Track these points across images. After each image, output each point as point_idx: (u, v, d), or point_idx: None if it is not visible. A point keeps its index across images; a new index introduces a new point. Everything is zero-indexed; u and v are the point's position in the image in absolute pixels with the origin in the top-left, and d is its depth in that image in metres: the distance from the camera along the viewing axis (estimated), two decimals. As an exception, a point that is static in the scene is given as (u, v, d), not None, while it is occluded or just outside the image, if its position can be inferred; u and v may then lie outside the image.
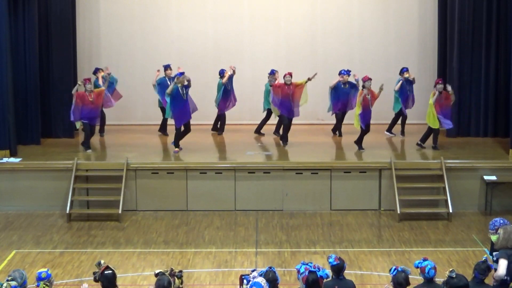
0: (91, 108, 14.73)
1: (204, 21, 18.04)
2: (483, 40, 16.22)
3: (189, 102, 14.64)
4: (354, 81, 15.63)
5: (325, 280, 7.05)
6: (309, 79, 15.21)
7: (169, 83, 15.01)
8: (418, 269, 7.32)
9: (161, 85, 15.53)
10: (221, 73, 16.00)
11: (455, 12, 16.19)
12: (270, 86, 15.36)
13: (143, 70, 17.47)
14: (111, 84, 16.07)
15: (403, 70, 15.98)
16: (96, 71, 16.10)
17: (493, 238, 8.24)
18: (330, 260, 7.42)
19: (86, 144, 14.97)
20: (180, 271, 7.29)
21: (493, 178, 13.77)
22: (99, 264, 7.34)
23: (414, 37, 18.07)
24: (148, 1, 18.06)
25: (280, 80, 15.43)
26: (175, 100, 14.44)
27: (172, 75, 15.36)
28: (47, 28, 16.26)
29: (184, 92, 14.47)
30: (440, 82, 14.84)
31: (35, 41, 15.58)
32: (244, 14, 18.13)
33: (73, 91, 14.80)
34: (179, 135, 14.79)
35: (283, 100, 15.11)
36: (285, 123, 15.36)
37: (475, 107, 16.40)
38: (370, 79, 14.77)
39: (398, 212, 13.39)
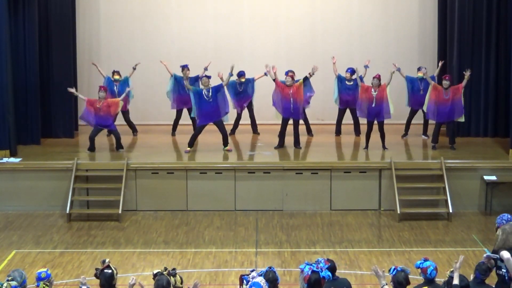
0: (99, 116, 14.72)
1: (204, 21, 18.04)
2: (483, 39, 16.21)
3: (219, 104, 14.65)
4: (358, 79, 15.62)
5: (326, 281, 7.05)
6: (306, 78, 15.07)
7: (184, 82, 15.23)
8: (419, 270, 7.31)
9: (179, 82, 15.72)
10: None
11: (455, 12, 16.19)
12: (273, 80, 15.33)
13: (143, 70, 17.42)
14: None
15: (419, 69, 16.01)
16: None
17: None
18: (321, 265, 7.40)
19: (118, 146, 15.06)
20: (174, 269, 7.30)
21: (493, 178, 13.77)
22: (103, 262, 7.37)
23: (414, 37, 18.06)
24: (148, 1, 18.06)
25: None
26: (200, 101, 14.54)
27: (190, 75, 15.61)
28: (47, 28, 16.26)
29: (210, 94, 14.50)
30: (446, 78, 14.86)
31: (35, 41, 15.58)
32: (244, 14, 18.13)
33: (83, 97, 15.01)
34: (195, 136, 14.97)
35: (281, 99, 15.05)
36: (282, 125, 15.33)
37: (475, 107, 16.39)
38: (375, 77, 14.78)
39: (398, 212, 13.39)
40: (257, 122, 16.88)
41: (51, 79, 16.28)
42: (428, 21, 17.89)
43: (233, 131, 16.66)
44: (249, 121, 16.92)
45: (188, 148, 14.92)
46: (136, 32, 18.05)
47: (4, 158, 14.27)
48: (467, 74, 14.72)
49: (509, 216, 8.29)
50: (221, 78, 14.75)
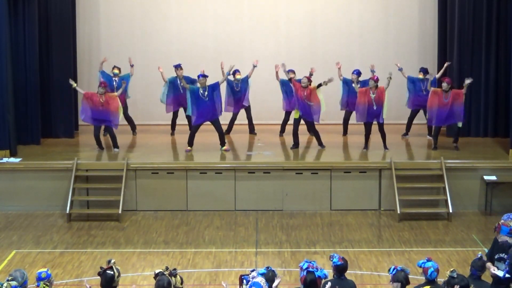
0: (97, 110, 14.65)
1: (204, 22, 18.04)
2: (483, 40, 16.21)
3: (216, 102, 14.66)
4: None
5: (323, 280, 7.06)
6: (320, 85, 14.97)
7: (179, 82, 15.39)
8: (421, 268, 7.32)
9: (172, 84, 15.75)
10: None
11: (455, 12, 16.20)
12: (289, 80, 15.31)
13: (143, 70, 17.45)
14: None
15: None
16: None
17: None
18: (334, 260, 7.42)
19: (114, 145, 15.00)
20: (174, 269, 7.30)
21: (493, 178, 13.77)
22: (109, 262, 7.37)
23: (414, 37, 18.06)
24: (148, 2, 18.06)
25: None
26: (196, 100, 14.55)
27: (184, 75, 15.60)
28: (47, 28, 16.25)
29: (206, 93, 14.51)
30: (445, 80, 14.85)
31: (35, 41, 15.57)
32: (244, 14, 18.12)
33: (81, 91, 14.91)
34: (193, 135, 14.93)
35: (298, 100, 15.03)
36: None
37: (475, 107, 16.39)
38: (371, 79, 14.78)
39: (398, 212, 13.39)
40: (255, 122, 16.85)
41: (51, 79, 16.27)
42: (428, 21, 17.89)
43: (228, 131, 16.63)
44: (246, 121, 16.92)
45: (189, 148, 14.92)
46: (136, 32, 18.05)
47: (4, 158, 14.27)
48: (467, 82, 14.67)
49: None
50: (223, 72, 14.80)
